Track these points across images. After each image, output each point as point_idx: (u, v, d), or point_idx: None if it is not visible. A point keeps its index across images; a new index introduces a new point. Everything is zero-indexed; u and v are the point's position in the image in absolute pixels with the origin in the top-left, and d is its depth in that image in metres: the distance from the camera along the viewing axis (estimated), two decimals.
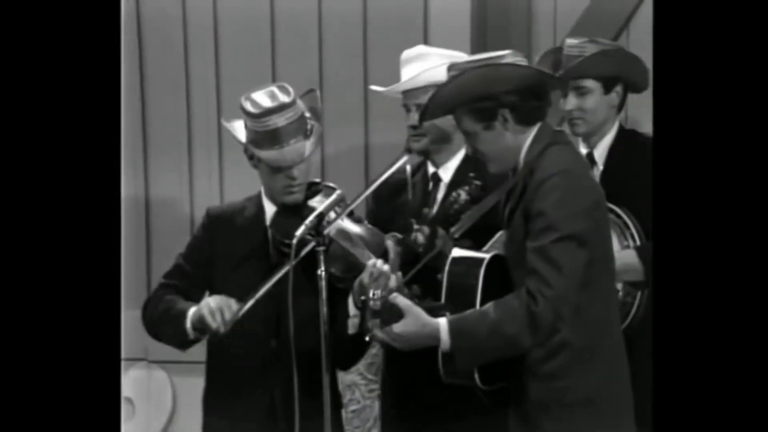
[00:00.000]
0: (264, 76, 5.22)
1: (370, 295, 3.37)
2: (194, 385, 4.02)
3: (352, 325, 3.66)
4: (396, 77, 4.12)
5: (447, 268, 3.53)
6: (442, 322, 3.37)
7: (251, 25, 5.28)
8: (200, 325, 3.65)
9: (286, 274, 3.54)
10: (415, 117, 3.98)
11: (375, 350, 4.67)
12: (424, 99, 3.90)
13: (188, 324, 3.69)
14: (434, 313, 3.42)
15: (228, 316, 3.60)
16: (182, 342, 3.76)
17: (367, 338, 3.44)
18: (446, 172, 4.06)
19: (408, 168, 4.13)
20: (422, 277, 3.59)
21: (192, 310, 3.70)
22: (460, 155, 4.07)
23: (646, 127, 4.20)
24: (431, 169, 4.10)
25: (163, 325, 3.80)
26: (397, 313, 3.36)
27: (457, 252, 3.56)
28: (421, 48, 4.16)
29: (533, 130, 3.48)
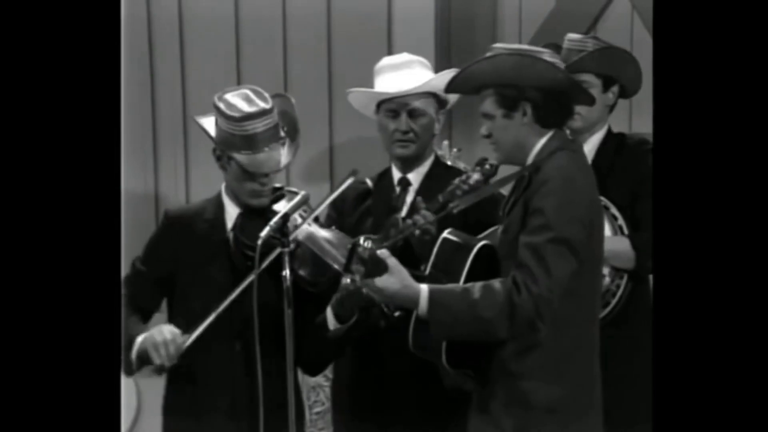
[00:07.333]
0: (229, 77, 5.23)
1: (361, 241, 3.35)
2: (159, 386, 4.00)
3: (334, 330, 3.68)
4: (362, 77, 4.11)
5: (436, 249, 3.54)
6: (424, 287, 3.37)
7: (216, 26, 5.29)
8: (145, 357, 3.59)
9: (250, 279, 3.53)
10: (404, 121, 3.95)
11: None
12: (417, 104, 3.93)
13: (134, 354, 3.63)
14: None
15: (173, 350, 3.56)
16: (128, 370, 3.68)
17: (347, 280, 3.43)
18: (416, 177, 4.02)
19: (368, 180, 4.10)
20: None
21: (140, 340, 3.62)
22: (430, 161, 4.04)
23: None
24: (397, 174, 4.05)
25: None
26: (382, 268, 3.35)
27: (449, 234, 3.57)
28: (406, 56, 4.09)
29: (548, 134, 3.50)
